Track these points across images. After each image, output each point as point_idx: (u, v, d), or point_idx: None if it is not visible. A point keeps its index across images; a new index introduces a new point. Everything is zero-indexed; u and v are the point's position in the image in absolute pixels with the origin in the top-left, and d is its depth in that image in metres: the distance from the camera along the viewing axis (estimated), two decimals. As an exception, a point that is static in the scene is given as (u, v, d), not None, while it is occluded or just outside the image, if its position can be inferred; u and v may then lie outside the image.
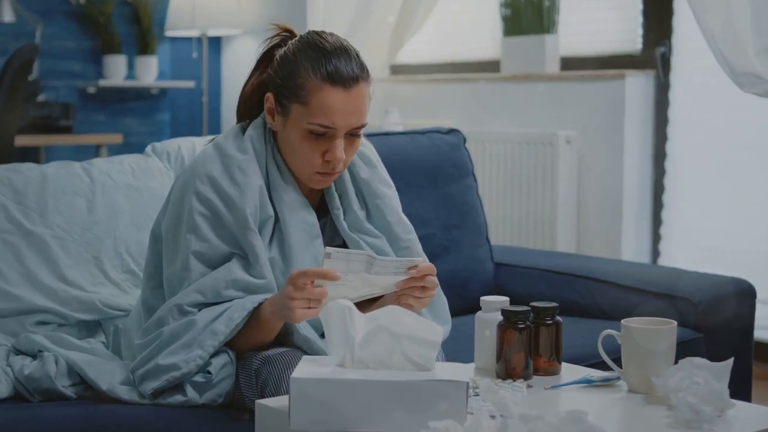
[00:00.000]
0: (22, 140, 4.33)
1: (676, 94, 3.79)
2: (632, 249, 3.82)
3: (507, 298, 1.77)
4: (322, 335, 1.82)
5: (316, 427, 1.40)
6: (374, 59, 4.51)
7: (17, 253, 2.10)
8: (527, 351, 1.69)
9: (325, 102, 1.79)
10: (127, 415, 1.74)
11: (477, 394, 1.54)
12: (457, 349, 1.95)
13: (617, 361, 1.69)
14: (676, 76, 3.78)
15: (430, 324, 1.49)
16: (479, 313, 1.77)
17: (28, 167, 2.22)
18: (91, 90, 5.10)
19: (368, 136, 2.70)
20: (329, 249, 1.63)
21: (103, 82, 5.04)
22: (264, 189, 1.85)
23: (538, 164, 3.91)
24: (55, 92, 5.00)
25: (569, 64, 4.07)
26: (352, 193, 1.94)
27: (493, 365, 1.71)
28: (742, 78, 3.26)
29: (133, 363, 1.80)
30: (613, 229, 3.82)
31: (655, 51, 3.80)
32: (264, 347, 1.80)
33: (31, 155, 4.70)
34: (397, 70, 4.74)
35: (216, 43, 5.35)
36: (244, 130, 1.90)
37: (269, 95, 1.86)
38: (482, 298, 1.77)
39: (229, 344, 1.79)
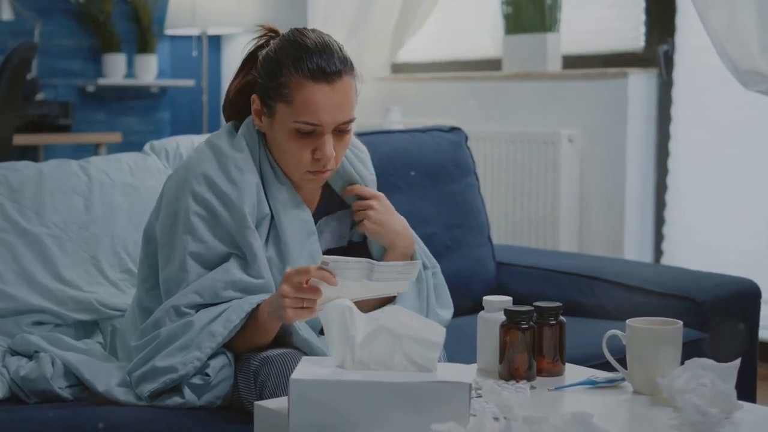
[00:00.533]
0: (20, 139, 4.31)
1: (679, 93, 3.76)
2: (635, 248, 3.80)
3: (510, 298, 1.75)
4: (322, 332, 1.79)
5: (316, 430, 1.38)
6: (375, 58, 4.50)
7: (13, 252, 2.08)
8: (530, 351, 1.67)
9: (309, 99, 1.77)
10: (124, 417, 1.71)
11: (480, 396, 1.52)
12: (459, 349, 1.93)
13: (622, 361, 1.67)
14: (679, 75, 3.76)
15: (432, 324, 1.46)
16: (482, 313, 1.75)
17: (24, 165, 2.20)
18: (91, 89, 5.08)
19: (369, 134, 2.69)
20: (326, 258, 1.59)
21: (102, 81, 5.03)
22: (260, 187, 1.83)
23: (540, 163, 3.89)
24: (54, 91, 4.98)
25: (571, 62, 4.05)
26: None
27: (496, 366, 1.69)
28: (745, 76, 3.23)
29: (130, 365, 1.78)
30: (616, 228, 3.81)
31: (658, 49, 3.78)
32: (263, 348, 1.78)
33: (29, 154, 4.68)
34: (398, 68, 4.73)
35: (216, 41, 5.33)
36: (236, 128, 1.88)
37: (255, 97, 1.84)
38: (485, 297, 1.76)
39: (228, 345, 1.77)
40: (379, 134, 2.71)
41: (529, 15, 4.05)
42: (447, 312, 2.01)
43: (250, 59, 1.91)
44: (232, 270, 1.78)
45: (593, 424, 1.36)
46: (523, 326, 1.67)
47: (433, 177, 2.67)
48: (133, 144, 4.84)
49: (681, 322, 1.64)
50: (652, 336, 1.61)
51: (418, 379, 1.40)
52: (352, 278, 1.59)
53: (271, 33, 1.90)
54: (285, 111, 1.79)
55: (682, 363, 1.58)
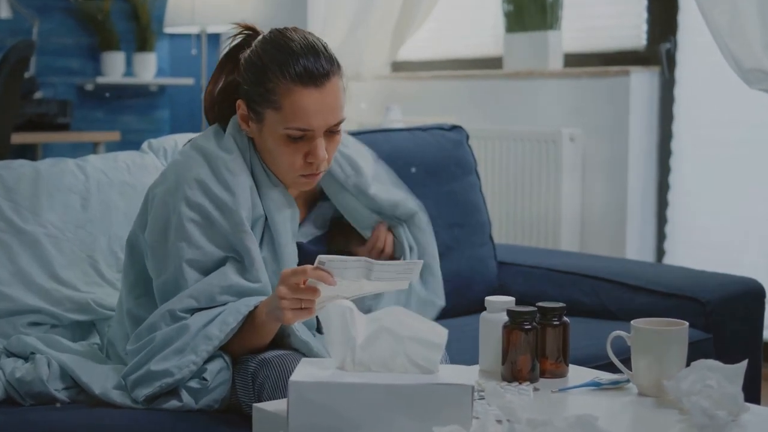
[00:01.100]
0: (18, 138, 4.30)
1: (681, 91, 3.74)
2: (637, 248, 3.78)
3: (512, 299, 1.73)
4: (319, 330, 1.77)
5: (316, 433, 1.35)
6: (375, 56, 4.48)
7: (9, 251, 2.05)
8: (533, 353, 1.65)
9: (299, 104, 1.73)
10: (120, 420, 1.69)
11: (482, 398, 1.50)
12: (460, 350, 1.91)
13: (626, 363, 1.65)
14: (681, 73, 3.74)
15: (434, 325, 1.44)
16: (484, 313, 1.73)
17: (20, 164, 2.17)
18: (89, 87, 5.07)
19: (369, 132, 2.67)
20: (322, 257, 1.56)
21: (101, 79, 5.01)
22: (254, 188, 1.80)
23: (541, 162, 3.87)
24: (53, 89, 4.96)
25: (573, 60, 4.03)
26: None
27: (499, 368, 1.68)
28: (749, 74, 3.21)
29: (125, 369, 1.75)
30: (618, 227, 3.79)
31: (660, 47, 3.75)
32: (261, 350, 1.75)
33: (28, 153, 4.66)
34: (398, 67, 4.71)
35: (215, 39, 5.30)
36: (223, 129, 1.85)
37: (240, 102, 1.80)
38: (487, 298, 1.73)
39: (224, 348, 1.74)
40: (379, 133, 2.69)
41: (531, 13, 4.03)
42: (438, 303, 1.98)
43: (230, 58, 1.87)
44: (229, 274, 1.75)
45: (598, 426, 1.34)
46: (526, 327, 1.65)
47: (433, 176, 2.65)
48: (132, 142, 4.81)
49: (687, 323, 1.62)
50: (658, 337, 1.59)
51: (419, 381, 1.38)
52: (351, 278, 1.56)
53: (248, 31, 1.86)
54: (274, 117, 1.76)
55: (688, 364, 1.55)
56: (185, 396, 1.71)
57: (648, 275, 2.54)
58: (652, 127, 3.79)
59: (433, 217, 2.60)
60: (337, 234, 1.97)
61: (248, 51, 1.81)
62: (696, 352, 1.72)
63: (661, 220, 3.82)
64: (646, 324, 1.62)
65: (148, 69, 5.12)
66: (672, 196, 3.79)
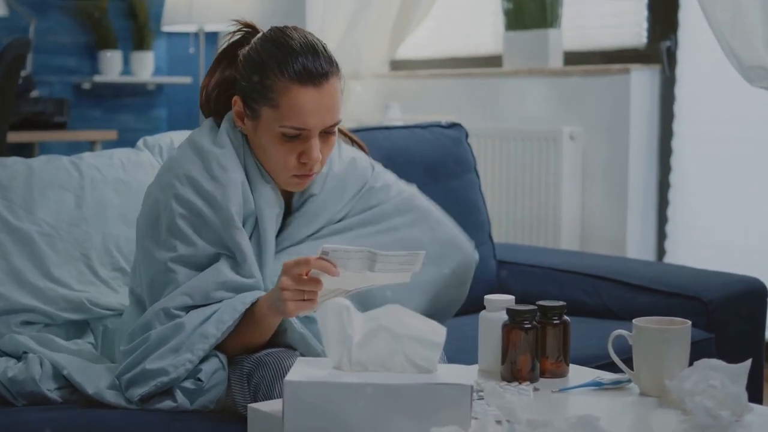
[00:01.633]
0: (14, 137, 4.27)
1: (682, 89, 3.72)
2: (637, 247, 3.77)
3: (512, 297, 1.71)
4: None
5: (312, 434, 1.33)
6: (374, 55, 4.46)
7: (2, 249, 2.02)
8: (534, 352, 1.64)
9: (296, 103, 1.71)
10: (113, 421, 1.66)
11: (481, 398, 1.49)
12: (460, 350, 1.88)
13: (628, 362, 1.63)
14: (682, 71, 3.72)
15: (433, 324, 1.41)
16: (483, 312, 1.71)
17: (14, 161, 2.15)
18: (86, 86, 5.05)
19: (368, 130, 2.65)
20: (326, 247, 1.55)
21: (98, 78, 4.99)
22: (246, 183, 1.78)
23: (541, 161, 3.85)
24: (49, 88, 4.94)
25: (573, 58, 4.01)
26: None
27: (498, 367, 1.66)
28: (750, 72, 3.19)
29: (119, 368, 1.73)
30: (618, 226, 3.77)
31: (660, 45, 3.73)
32: (256, 349, 1.73)
33: (24, 152, 4.63)
34: (397, 65, 4.69)
35: (213, 38, 5.28)
36: (218, 124, 1.83)
37: (237, 98, 1.79)
38: (486, 296, 1.71)
39: (221, 346, 1.72)
40: (378, 130, 2.67)
41: (530, 11, 4.01)
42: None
43: (227, 55, 1.85)
44: (223, 270, 1.73)
45: (599, 427, 1.32)
46: (526, 326, 1.63)
47: (433, 174, 2.63)
48: (129, 141, 4.75)
49: (689, 322, 1.60)
50: (660, 336, 1.57)
51: (418, 381, 1.36)
52: (354, 268, 1.55)
53: (247, 28, 1.84)
54: (270, 115, 1.73)
55: (690, 364, 1.53)
56: (180, 396, 1.69)
57: (649, 274, 2.52)
58: (653, 125, 3.78)
59: (431, 216, 2.59)
60: None
61: (247, 48, 1.80)
62: (698, 351, 1.70)
63: (662, 219, 3.80)
64: (648, 323, 1.60)
65: (145, 68, 5.10)
66: (672, 195, 3.77)
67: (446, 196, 2.63)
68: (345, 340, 1.40)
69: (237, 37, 1.85)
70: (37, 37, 4.82)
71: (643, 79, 3.74)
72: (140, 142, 2.34)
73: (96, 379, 1.75)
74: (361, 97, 4.42)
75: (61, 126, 4.61)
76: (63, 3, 4.98)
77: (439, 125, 2.73)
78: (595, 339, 2.02)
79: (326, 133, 1.76)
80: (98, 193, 2.15)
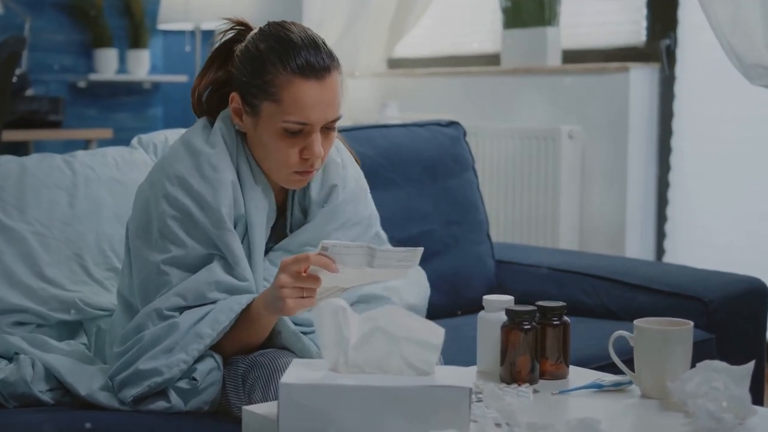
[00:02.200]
0: (9, 135, 4.26)
1: (681, 88, 3.70)
2: (636, 247, 3.75)
3: (511, 297, 1.69)
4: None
5: (307, 437, 1.30)
6: (372, 53, 4.45)
7: (-6, 249, 2.00)
8: (533, 353, 1.61)
9: (299, 97, 1.69)
10: (107, 422, 1.64)
11: (480, 401, 1.46)
12: (458, 351, 1.86)
13: (629, 363, 1.61)
14: (681, 69, 3.70)
15: (431, 325, 1.39)
16: (482, 313, 1.69)
17: (6, 159, 2.12)
18: (82, 84, 5.03)
19: (366, 128, 2.63)
20: (326, 243, 1.53)
21: (93, 76, 4.98)
22: (237, 184, 1.75)
23: (539, 160, 3.83)
24: (45, 86, 4.92)
25: (571, 57, 3.99)
26: (298, 196, 1.85)
27: (497, 369, 1.63)
28: (750, 70, 3.17)
29: (112, 369, 1.70)
30: (617, 226, 3.75)
31: (660, 43, 3.71)
32: (252, 349, 1.70)
33: (19, 151, 4.61)
34: (394, 63, 4.67)
35: (209, 36, 5.25)
36: (211, 123, 1.80)
37: (234, 95, 1.75)
38: (485, 297, 1.69)
39: (216, 347, 1.69)
40: (375, 128, 2.65)
41: (528, 9, 3.99)
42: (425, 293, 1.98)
43: (220, 54, 1.82)
44: (217, 271, 1.70)
45: (600, 430, 1.30)
46: (526, 327, 1.60)
47: (431, 172, 2.61)
48: (124, 140, 4.71)
49: (691, 323, 1.58)
50: (662, 337, 1.55)
51: (415, 383, 1.33)
52: (353, 264, 1.53)
53: (240, 26, 1.82)
54: (271, 110, 1.71)
55: (692, 365, 1.51)
56: (174, 397, 1.66)
57: (649, 274, 2.50)
58: (652, 124, 3.76)
59: (430, 215, 2.58)
60: None
61: (244, 43, 1.77)
62: (698, 352, 1.67)
63: (661, 218, 3.79)
64: (649, 323, 1.58)
65: (141, 66, 5.09)
66: (672, 194, 3.75)
67: (444, 195, 2.62)
68: (341, 342, 1.37)
69: (230, 35, 1.82)
70: (33, 35, 4.80)
71: (642, 78, 3.72)
72: (134, 141, 2.31)
73: (88, 381, 1.72)
74: (358, 96, 4.40)
75: (56, 125, 4.58)
76: (58, 1, 4.96)
77: (437, 123, 2.71)
78: (595, 340, 2.00)
79: (327, 129, 1.74)
80: (92, 192, 2.12)
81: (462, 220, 2.64)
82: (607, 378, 1.62)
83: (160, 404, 1.66)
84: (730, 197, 3.58)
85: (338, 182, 1.84)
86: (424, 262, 2.40)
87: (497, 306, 1.66)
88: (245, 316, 1.67)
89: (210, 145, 1.75)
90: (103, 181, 2.15)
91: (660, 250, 3.79)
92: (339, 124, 1.79)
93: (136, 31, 5.07)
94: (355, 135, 2.50)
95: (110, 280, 2.07)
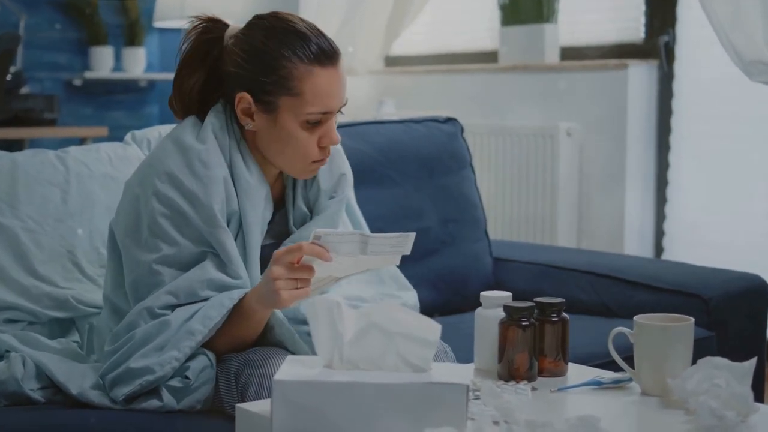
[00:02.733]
0: (4, 133, 4.24)
1: (680, 85, 3.68)
2: (635, 245, 3.73)
3: (509, 294, 1.67)
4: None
5: (301, 435, 1.28)
6: (368, 51, 4.43)
7: (-16, 246, 1.97)
8: (531, 350, 1.59)
9: (319, 86, 1.68)
10: (98, 421, 1.61)
11: (478, 398, 1.44)
12: (455, 349, 1.84)
13: (629, 360, 1.59)
14: (680, 66, 3.68)
15: (428, 321, 1.36)
16: (479, 309, 1.67)
17: (-2, 155, 2.10)
18: (77, 82, 5.00)
19: (362, 124, 2.60)
20: (318, 231, 1.52)
21: (89, 74, 4.95)
22: (229, 180, 1.72)
23: (537, 157, 3.81)
24: (40, 84, 4.89)
25: (570, 54, 3.97)
26: (300, 188, 1.84)
27: (495, 366, 1.61)
28: (750, 66, 3.15)
29: (103, 368, 1.67)
30: (615, 224, 3.73)
31: (658, 40, 3.69)
32: (246, 347, 1.68)
33: (13, 148, 4.54)
34: (391, 61, 4.65)
35: (206, 34, 5.24)
36: (202, 120, 1.77)
37: (243, 95, 1.71)
38: (483, 293, 1.67)
39: (209, 345, 1.67)
40: (372, 125, 2.63)
41: (526, 6, 3.98)
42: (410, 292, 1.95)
43: (198, 53, 1.77)
44: (209, 269, 1.68)
45: (600, 428, 1.28)
46: (524, 323, 1.58)
47: (428, 169, 2.59)
48: (119, 139, 4.71)
49: (692, 319, 1.55)
50: (663, 333, 1.52)
51: (411, 380, 1.31)
52: (346, 252, 1.52)
53: (208, 23, 1.78)
54: (291, 103, 1.68)
55: (693, 362, 1.48)
56: (166, 395, 1.64)
57: (648, 271, 2.48)
58: (651, 121, 3.74)
59: (427, 212, 2.56)
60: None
61: (240, 40, 1.72)
62: (699, 350, 1.65)
63: (660, 216, 3.77)
64: (649, 320, 1.55)
65: (137, 64, 5.06)
66: (671, 192, 3.73)
67: (441, 192, 2.59)
68: (336, 338, 1.35)
69: (199, 31, 1.77)
70: (28, 33, 4.77)
71: (640, 75, 3.70)
72: (128, 136, 2.29)
73: (80, 379, 1.70)
74: (354, 94, 4.37)
75: (51, 123, 4.55)
76: (54, -2, 4.94)
77: (434, 120, 2.69)
78: (594, 337, 1.98)
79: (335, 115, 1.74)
80: (85, 188, 2.10)
81: (459, 218, 2.62)
82: (607, 375, 1.60)
83: (153, 403, 1.63)
84: (729, 195, 3.56)
85: (345, 171, 1.86)
86: (421, 260, 2.41)
87: (495, 302, 1.64)
88: (238, 311, 1.65)
89: (200, 141, 1.72)
90: (97, 177, 2.12)
91: (659, 248, 3.77)
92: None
93: (131, 28, 5.04)
94: (350, 131, 2.48)
95: (103, 278, 2.04)
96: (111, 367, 1.65)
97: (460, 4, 4.41)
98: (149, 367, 1.61)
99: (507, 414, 1.33)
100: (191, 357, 1.64)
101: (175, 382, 1.64)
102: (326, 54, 1.69)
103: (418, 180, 2.57)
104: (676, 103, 3.69)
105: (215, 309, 1.63)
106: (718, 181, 3.58)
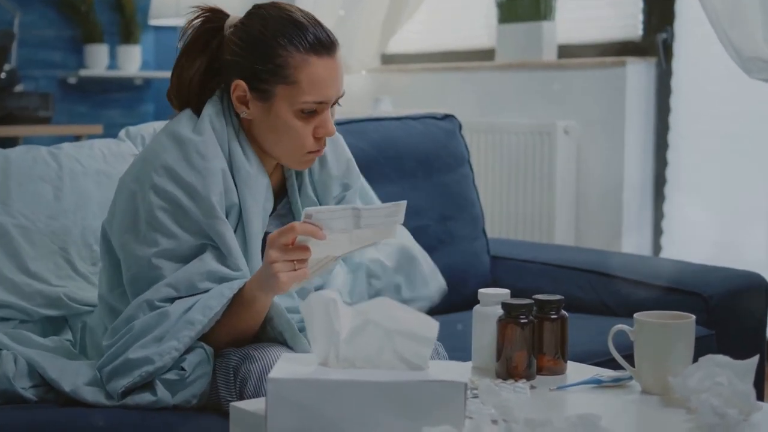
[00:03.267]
0: (-2, 131, 4.21)
1: (678, 82, 3.66)
2: (633, 243, 3.71)
3: (507, 291, 1.65)
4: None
5: (296, 434, 1.26)
6: (365, 48, 4.41)
7: (-24, 243, 1.95)
8: (530, 348, 1.57)
9: (315, 75, 1.67)
10: (91, 419, 1.59)
11: (476, 396, 1.42)
12: (453, 347, 1.83)
13: (629, 359, 1.56)
14: (678, 64, 3.66)
15: (425, 318, 1.34)
16: (477, 307, 1.65)
17: (-10, 151, 2.07)
18: (72, 80, 4.97)
19: (359, 121, 2.58)
20: (309, 210, 1.51)
21: (84, 72, 4.92)
22: (227, 172, 1.70)
23: (535, 155, 3.80)
24: (34, 82, 4.87)
25: (567, 51, 3.95)
26: (307, 177, 1.84)
27: (493, 364, 1.58)
28: (749, 63, 3.13)
29: (101, 360, 1.65)
30: (613, 222, 3.72)
31: (656, 37, 3.67)
32: (246, 341, 1.66)
33: (7, 146, 4.53)
34: (388, 59, 4.63)
35: (202, 32, 5.21)
36: (198, 113, 1.75)
37: (239, 83, 1.71)
38: (480, 290, 1.65)
39: (210, 338, 1.64)
40: (369, 122, 2.61)
41: (524, 3, 3.96)
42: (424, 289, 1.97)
43: (198, 42, 1.77)
44: (208, 261, 1.66)
45: (600, 426, 1.25)
46: (522, 321, 1.56)
47: (425, 166, 2.57)
48: (114, 137, 4.71)
49: (693, 316, 1.53)
50: (664, 331, 1.50)
51: (408, 378, 1.28)
52: (340, 228, 1.51)
53: (208, 12, 1.77)
54: (287, 92, 1.68)
55: (694, 360, 1.46)
56: (161, 390, 1.61)
57: (647, 269, 2.47)
58: (649, 119, 3.72)
59: (424, 210, 2.54)
60: None
61: (238, 29, 1.72)
62: (699, 348, 1.63)
63: (658, 214, 3.75)
64: (650, 317, 1.53)
65: (132, 62, 5.03)
66: (669, 190, 3.71)
67: (439, 190, 2.57)
68: (332, 335, 1.32)
69: (200, 22, 1.78)
70: (22, 30, 4.74)
71: (638, 72, 3.68)
72: (122, 133, 2.27)
73: (73, 376, 1.68)
74: (350, 92, 4.35)
75: (46, 121, 4.53)
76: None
77: (431, 116, 2.67)
78: (593, 335, 1.96)
79: (331, 106, 1.73)
80: (78, 185, 2.08)
81: (457, 216, 2.60)
82: (607, 373, 1.58)
83: (147, 397, 1.61)
84: (727, 193, 3.55)
85: (349, 155, 1.87)
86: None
87: (493, 300, 1.62)
88: (239, 301, 1.63)
89: (197, 133, 1.71)
90: (90, 173, 2.10)
91: (657, 247, 3.75)
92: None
93: (127, 26, 5.02)
94: (347, 128, 2.46)
95: (96, 275, 2.02)
96: (109, 358, 1.63)
97: (457, 2, 4.39)
98: (148, 357, 1.59)
99: (506, 413, 1.31)
100: (188, 350, 1.62)
101: (170, 375, 1.62)
102: (323, 44, 1.68)
103: (416, 178, 2.55)
104: (675, 101, 3.67)
105: (215, 299, 1.61)
106: (717, 179, 3.57)
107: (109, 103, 5.13)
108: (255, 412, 1.35)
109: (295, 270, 1.54)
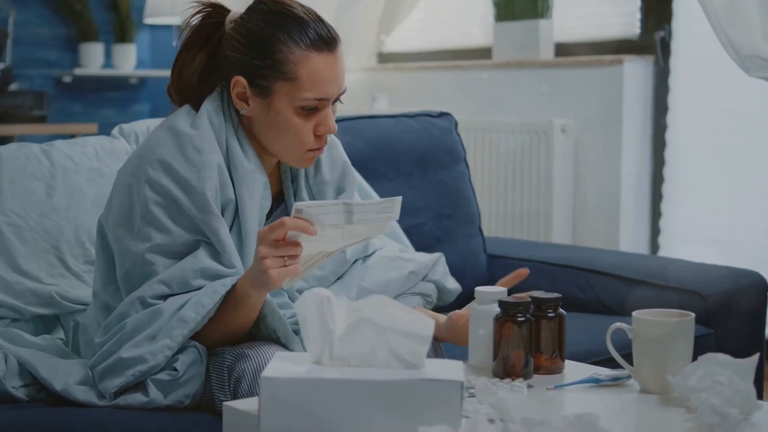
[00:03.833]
0: (-8, 129, 4.18)
1: (676, 81, 3.65)
2: (630, 242, 3.70)
3: (504, 289, 1.63)
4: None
5: (290, 434, 1.24)
6: (361, 47, 4.40)
7: (-33, 241, 1.93)
8: (527, 347, 1.55)
9: (316, 72, 1.65)
10: (83, 419, 1.57)
11: (473, 396, 1.40)
12: (449, 346, 1.81)
13: (627, 357, 1.55)
14: (676, 62, 3.65)
15: (420, 316, 1.32)
16: (474, 304, 1.62)
17: (-19, 149, 2.05)
18: (67, 79, 4.96)
19: (354, 119, 2.56)
20: (299, 205, 1.48)
21: (79, 71, 4.91)
22: (224, 167, 1.68)
23: (532, 154, 3.78)
24: (29, 81, 4.85)
25: (564, 50, 3.94)
26: (303, 182, 1.82)
27: (490, 363, 1.57)
28: (747, 61, 3.11)
29: (93, 359, 1.63)
30: (611, 221, 3.70)
31: (654, 35, 3.66)
32: (239, 340, 1.64)
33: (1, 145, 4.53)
34: (384, 58, 4.62)
35: (197, 31, 5.20)
36: (197, 109, 1.73)
37: (239, 79, 1.69)
38: (477, 288, 1.64)
39: (203, 336, 1.62)
40: (365, 119, 2.59)
41: (521, 1, 3.95)
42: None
43: (198, 38, 1.75)
44: (202, 258, 1.64)
45: (599, 426, 1.23)
46: (520, 319, 1.54)
47: (421, 164, 2.55)
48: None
49: (692, 314, 1.52)
50: (663, 329, 1.48)
51: (404, 377, 1.26)
52: (331, 223, 1.48)
53: (209, 8, 1.76)
54: (287, 88, 1.66)
55: (693, 360, 1.44)
56: (153, 390, 1.59)
57: (646, 268, 2.45)
58: (646, 118, 3.71)
59: (421, 208, 2.52)
60: None
61: (239, 24, 1.71)
62: (698, 347, 1.61)
63: (656, 213, 3.74)
64: (649, 315, 1.51)
65: (127, 61, 5.02)
66: (667, 189, 3.70)
67: (435, 188, 2.56)
68: (326, 334, 1.30)
69: (200, 17, 1.76)
70: (17, 29, 4.72)
71: (636, 71, 3.67)
72: (115, 130, 2.25)
73: (64, 375, 1.66)
74: (347, 90, 4.34)
75: (40, 120, 4.51)
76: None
77: (427, 114, 2.66)
78: (591, 334, 1.95)
79: (333, 103, 1.71)
80: (70, 183, 2.05)
81: (453, 214, 2.58)
82: (605, 372, 1.57)
83: (138, 397, 1.59)
84: (725, 192, 3.54)
85: (345, 158, 1.85)
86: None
87: (490, 298, 1.60)
88: (231, 298, 1.61)
89: (194, 128, 1.69)
90: (82, 171, 2.08)
91: (654, 246, 3.74)
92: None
93: (122, 25, 5.00)
94: (343, 125, 2.44)
95: (89, 273, 2.00)
96: (101, 357, 1.61)
97: (453, 0, 4.37)
98: (141, 356, 1.57)
99: (503, 412, 1.29)
100: (181, 349, 1.61)
101: (163, 375, 1.60)
102: (324, 40, 1.66)
103: (412, 175, 2.53)
104: (672, 99, 3.66)
105: (208, 296, 1.59)
106: (715, 177, 3.56)
107: (104, 102, 5.11)
108: (248, 411, 1.33)
109: (286, 266, 1.52)
